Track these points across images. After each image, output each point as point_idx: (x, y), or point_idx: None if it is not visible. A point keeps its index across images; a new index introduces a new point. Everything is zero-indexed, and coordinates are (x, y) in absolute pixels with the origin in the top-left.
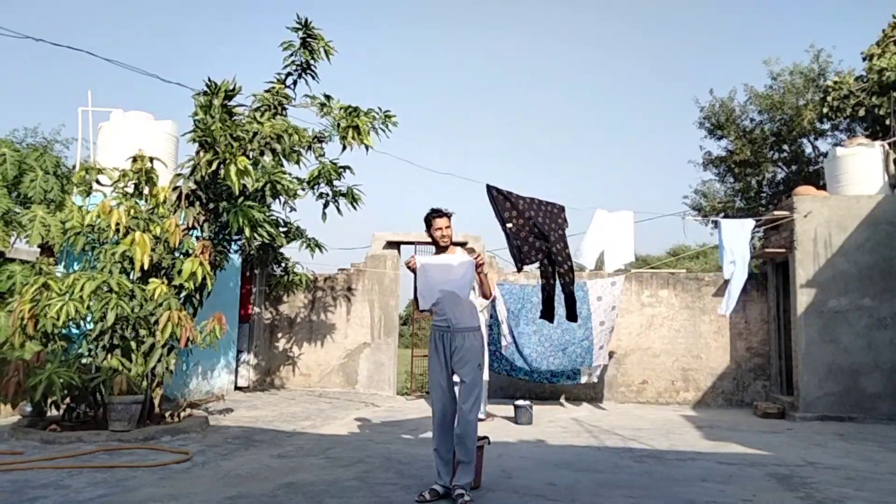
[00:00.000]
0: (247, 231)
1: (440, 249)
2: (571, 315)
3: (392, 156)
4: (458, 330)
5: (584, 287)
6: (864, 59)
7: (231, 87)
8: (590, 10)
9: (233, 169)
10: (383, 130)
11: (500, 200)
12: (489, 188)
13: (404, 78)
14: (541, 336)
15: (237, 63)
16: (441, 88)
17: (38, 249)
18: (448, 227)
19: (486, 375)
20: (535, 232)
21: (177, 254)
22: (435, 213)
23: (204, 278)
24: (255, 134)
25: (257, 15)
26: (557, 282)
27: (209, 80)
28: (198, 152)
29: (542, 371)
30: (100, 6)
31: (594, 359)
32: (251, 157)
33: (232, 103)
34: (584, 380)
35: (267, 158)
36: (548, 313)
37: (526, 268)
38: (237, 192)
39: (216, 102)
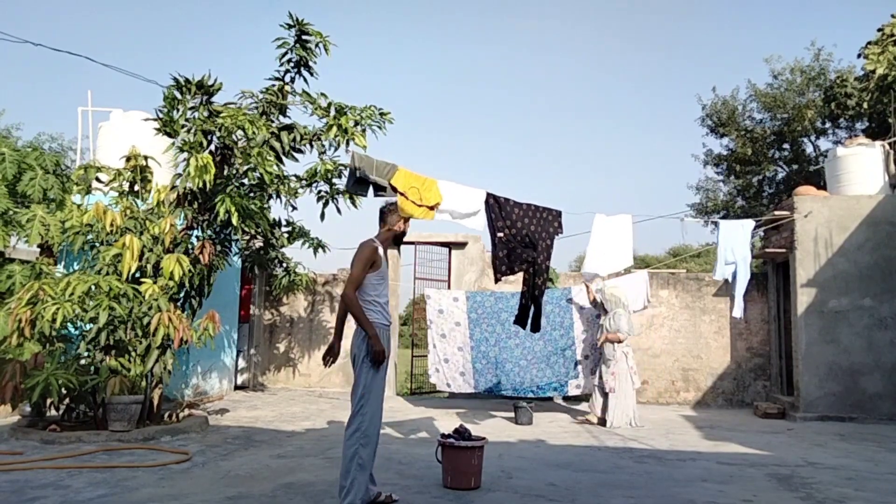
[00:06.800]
0: (234, 219)
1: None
2: (535, 326)
3: (389, 162)
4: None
5: (569, 294)
6: (858, 57)
7: (211, 83)
8: (590, 10)
9: (193, 163)
10: (380, 128)
11: (496, 209)
12: (487, 196)
13: (403, 78)
14: (523, 349)
15: (240, 64)
16: (440, 90)
17: (38, 249)
18: None
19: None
20: (526, 241)
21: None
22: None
23: (201, 278)
24: (222, 127)
25: (262, 16)
26: (535, 292)
27: (178, 74)
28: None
29: (525, 387)
30: (101, 6)
31: (580, 371)
32: (253, 154)
33: (221, 102)
34: (572, 392)
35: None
36: (521, 320)
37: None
38: (196, 188)
39: (186, 97)
